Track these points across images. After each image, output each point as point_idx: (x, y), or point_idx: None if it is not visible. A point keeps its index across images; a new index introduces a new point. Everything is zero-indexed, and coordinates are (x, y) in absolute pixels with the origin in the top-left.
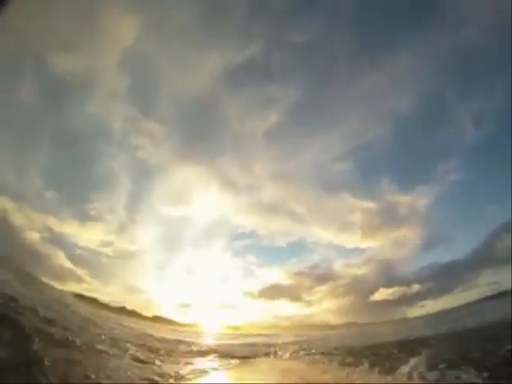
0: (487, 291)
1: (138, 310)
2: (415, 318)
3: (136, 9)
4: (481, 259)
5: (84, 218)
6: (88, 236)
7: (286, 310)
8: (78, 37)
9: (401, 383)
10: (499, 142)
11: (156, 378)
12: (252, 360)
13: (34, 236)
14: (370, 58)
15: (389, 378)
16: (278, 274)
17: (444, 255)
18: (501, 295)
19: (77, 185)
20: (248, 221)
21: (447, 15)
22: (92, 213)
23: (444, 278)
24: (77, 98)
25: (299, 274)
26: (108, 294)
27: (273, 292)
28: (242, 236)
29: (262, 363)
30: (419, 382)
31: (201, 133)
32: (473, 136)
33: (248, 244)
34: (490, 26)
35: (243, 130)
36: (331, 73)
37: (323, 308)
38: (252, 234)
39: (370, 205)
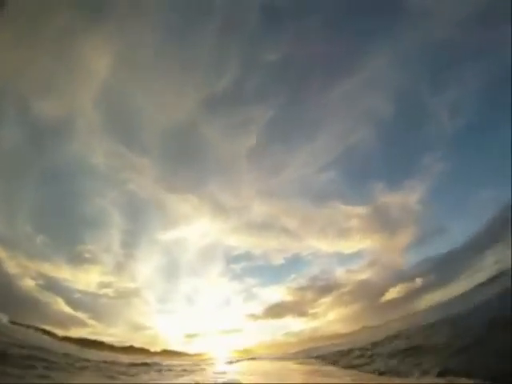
0: (492, 272)
1: (146, 346)
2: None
3: (108, 43)
4: (480, 244)
5: (79, 260)
6: (85, 279)
7: (293, 326)
8: (53, 78)
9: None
10: (478, 127)
11: None
12: None
13: (29, 283)
14: (342, 64)
15: None
16: (278, 292)
17: (442, 246)
18: (503, 274)
19: (67, 227)
20: (242, 242)
21: (410, 11)
22: (86, 255)
23: (445, 268)
24: (59, 139)
25: (300, 288)
26: (113, 335)
27: (277, 310)
28: (237, 258)
29: None
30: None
31: (185, 160)
32: (452, 125)
33: (245, 266)
34: (453, 17)
35: (226, 153)
36: (305, 85)
37: (330, 318)
38: (247, 255)
39: (361, 209)
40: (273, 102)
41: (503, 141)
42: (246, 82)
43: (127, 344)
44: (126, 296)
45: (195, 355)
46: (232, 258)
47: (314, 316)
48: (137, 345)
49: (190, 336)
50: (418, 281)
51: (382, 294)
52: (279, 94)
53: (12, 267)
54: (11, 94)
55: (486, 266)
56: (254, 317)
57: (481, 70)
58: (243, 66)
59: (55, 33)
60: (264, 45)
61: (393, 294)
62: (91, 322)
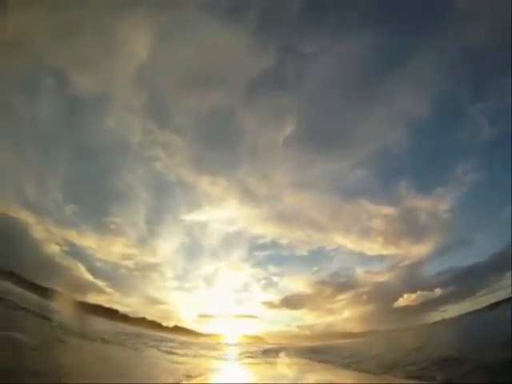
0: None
1: (158, 320)
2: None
3: (150, 20)
4: (504, 261)
5: (104, 231)
6: (108, 249)
7: (308, 319)
8: (93, 53)
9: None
10: None
11: None
12: None
13: (54, 249)
14: (382, 62)
15: None
16: (298, 283)
17: (466, 258)
18: None
19: (96, 199)
20: (268, 230)
21: (453, 15)
22: (112, 226)
23: (466, 281)
24: (94, 114)
25: (320, 282)
26: (128, 305)
27: (294, 301)
28: (262, 246)
29: None
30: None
31: (218, 144)
32: (489, 135)
33: (268, 254)
34: (497, 23)
35: (261, 141)
36: (345, 80)
37: (345, 316)
38: (272, 244)
39: (389, 210)
40: (314, 92)
41: None
42: (285, 70)
43: (140, 316)
44: (145, 269)
45: (206, 335)
46: (256, 245)
47: (330, 311)
48: (149, 318)
49: (203, 316)
50: (437, 291)
51: (399, 299)
52: (320, 85)
53: (39, 232)
54: (51, 66)
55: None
56: (270, 305)
57: None
58: (282, 54)
59: (96, 11)
60: (303, 36)
61: (409, 301)
62: (108, 290)
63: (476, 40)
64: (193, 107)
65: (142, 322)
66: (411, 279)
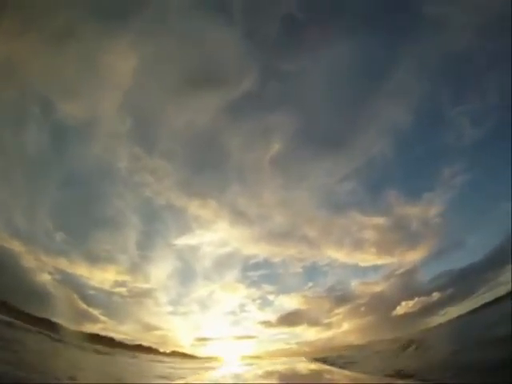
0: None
1: (155, 346)
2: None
3: (135, 48)
4: (499, 257)
5: (95, 259)
6: (100, 277)
7: (306, 335)
8: (79, 80)
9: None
10: (500, 138)
11: None
12: None
13: (45, 277)
14: (365, 76)
15: None
16: (294, 301)
17: (460, 260)
18: None
19: (86, 226)
20: (260, 250)
21: (430, 21)
22: (103, 254)
23: (463, 282)
24: (81, 140)
25: (316, 298)
26: (123, 332)
27: (291, 319)
28: (255, 266)
29: None
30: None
31: (206, 167)
32: (473, 136)
33: (262, 273)
34: (475, 27)
35: (247, 161)
36: (328, 95)
37: (344, 329)
38: (266, 263)
39: (380, 220)
40: (298, 111)
41: None
42: (268, 89)
43: (136, 342)
44: (138, 296)
45: (205, 358)
46: (249, 266)
47: (329, 326)
48: (146, 344)
49: (200, 340)
50: (435, 295)
51: (397, 308)
52: (304, 103)
53: (29, 261)
54: (36, 95)
55: (505, 282)
56: (268, 324)
57: (502, 81)
58: (264, 73)
59: (81, 37)
60: (284, 54)
61: (407, 307)
62: (103, 318)
63: (455, 44)
64: (179, 131)
65: (138, 348)
66: (408, 286)
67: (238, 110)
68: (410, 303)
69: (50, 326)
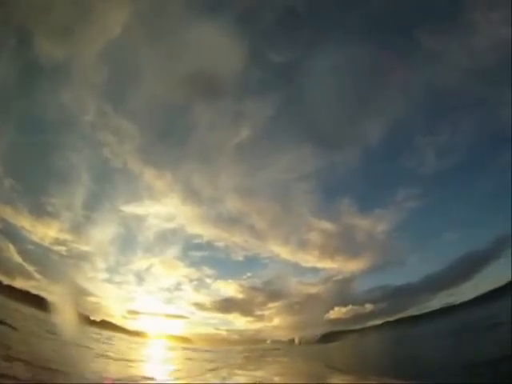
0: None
1: (86, 312)
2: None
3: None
4: (435, 282)
5: (40, 212)
6: (42, 232)
7: (238, 323)
8: (66, 19)
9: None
10: (459, 175)
11: None
12: None
13: None
14: (347, 82)
15: None
16: (231, 288)
17: (398, 278)
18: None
19: (37, 176)
20: (206, 231)
21: (425, 51)
22: (49, 208)
23: (397, 299)
24: (51, 86)
25: (253, 288)
26: (56, 293)
27: (225, 305)
28: (198, 246)
29: None
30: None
31: (169, 137)
32: (434, 167)
33: (204, 255)
34: (462, 65)
35: (212, 141)
36: (306, 93)
37: (274, 324)
38: (209, 246)
39: (328, 225)
40: (273, 102)
41: (480, 194)
42: (248, 76)
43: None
44: (77, 257)
45: (133, 332)
46: (192, 245)
47: (260, 318)
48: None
49: (132, 312)
50: (368, 306)
51: (330, 312)
52: (281, 95)
53: None
54: (18, 24)
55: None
56: (201, 306)
57: (476, 122)
58: (249, 61)
59: None
60: (275, 45)
61: (340, 314)
62: (37, 276)
63: (438, 78)
64: (151, 96)
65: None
66: (343, 293)
67: (215, 87)
68: (343, 310)
69: None
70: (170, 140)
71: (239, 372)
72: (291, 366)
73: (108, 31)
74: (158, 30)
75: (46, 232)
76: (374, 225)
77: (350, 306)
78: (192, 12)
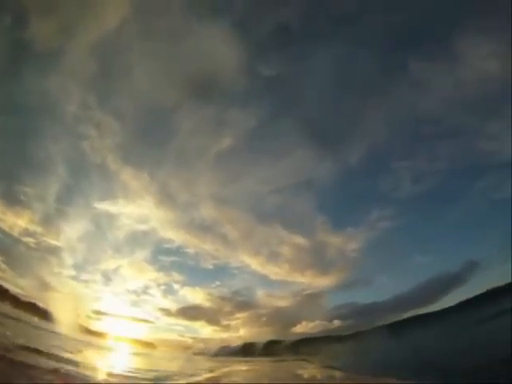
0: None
1: (50, 309)
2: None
3: None
4: (402, 302)
5: (12, 200)
6: (12, 221)
7: (203, 332)
8: (62, 5)
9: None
10: (432, 200)
11: None
12: None
13: None
14: (328, 103)
15: None
16: (199, 295)
17: (366, 296)
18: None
19: (13, 162)
20: (178, 237)
21: (408, 79)
22: (21, 197)
23: (364, 316)
24: (39, 70)
25: (221, 298)
26: (21, 287)
27: (191, 312)
28: (168, 251)
29: None
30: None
31: (150, 138)
32: (408, 191)
33: (173, 260)
34: (445, 94)
35: (193, 147)
36: (292, 107)
37: (240, 334)
38: (179, 251)
39: (301, 240)
40: (257, 113)
41: (451, 220)
42: (235, 86)
43: (31, 300)
44: (45, 251)
45: (96, 333)
46: (162, 250)
47: (227, 328)
48: (41, 305)
49: (97, 313)
50: (336, 322)
51: (297, 325)
52: (265, 108)
53: None
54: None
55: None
56: (167, 312)
57: (452, 151)
58: (239, 71)
59: None
60: (265, 58)
61: (307, 328)
62: (3, 266)
63: (421, 104)
64: (138, 95)
65: (32, 307)
66: (311, 308)
67: (203, 93)
68: (311, 324)
69: None
70: (151, 141)
71: None
72: None
73: (104, 23)
74: (152, 30)
75: (15, 221)
76: (346, 242)
77: (318, 321)
78: (186, 17)
